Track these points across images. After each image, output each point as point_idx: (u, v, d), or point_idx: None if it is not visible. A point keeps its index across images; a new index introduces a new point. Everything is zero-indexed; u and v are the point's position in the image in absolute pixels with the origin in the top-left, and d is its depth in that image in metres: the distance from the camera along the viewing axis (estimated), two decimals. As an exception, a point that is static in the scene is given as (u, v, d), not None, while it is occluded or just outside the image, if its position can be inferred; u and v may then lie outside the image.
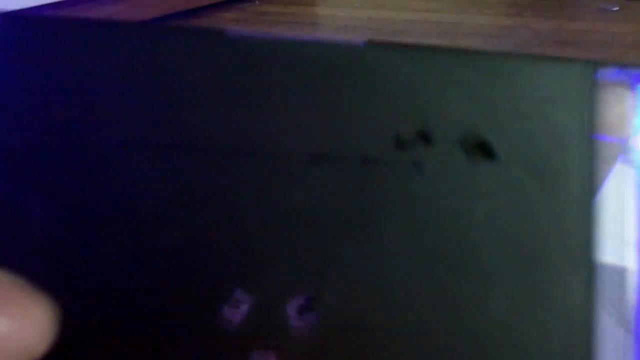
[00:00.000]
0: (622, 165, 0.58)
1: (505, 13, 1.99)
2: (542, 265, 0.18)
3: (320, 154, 0.18)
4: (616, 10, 1.85)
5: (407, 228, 0.18)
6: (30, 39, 0.18)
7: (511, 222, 0.18)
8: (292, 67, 0.18)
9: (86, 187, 0.18)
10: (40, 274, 0.17)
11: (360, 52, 0.18)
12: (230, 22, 1.96)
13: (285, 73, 0.18)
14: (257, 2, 2.18)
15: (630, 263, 0.46)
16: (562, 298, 0.18)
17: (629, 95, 0.19)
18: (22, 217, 0.18)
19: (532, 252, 0.18)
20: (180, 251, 0.18)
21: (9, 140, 0.18)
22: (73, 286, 0.18)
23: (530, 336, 0.18)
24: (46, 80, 0.18)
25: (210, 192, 0.18)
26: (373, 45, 0.18)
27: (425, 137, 0.18)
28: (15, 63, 0.18)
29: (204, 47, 0.18)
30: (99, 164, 0.18)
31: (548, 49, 1.55)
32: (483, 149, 0.18)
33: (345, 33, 1.80)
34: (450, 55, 0.18)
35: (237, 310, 0.18)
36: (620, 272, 0.46)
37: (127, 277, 0.18)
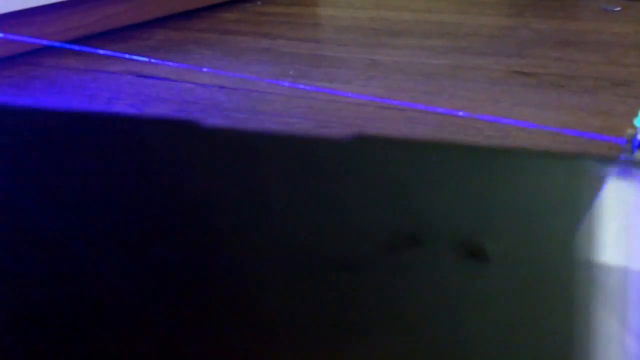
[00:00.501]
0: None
1: (506, 13, 1.99)
2: None
3: (304, 257, 0.16)
4: (618, 11, 1.85)
5: (393, 337, 0.16)
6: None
7: (507, 329, 0.16)
8: (280, 164, 0.16)
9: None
10: None
11: (348, 147, 0.16)
12: (232, 22, 1.96)
13: (273, 170, 0.16)
14: (258, 2, 2.18)
15: (634, 265, 0.46)
16: None
17: (632, 193, 0.17)
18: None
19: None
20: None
21: None
22: None
23: None
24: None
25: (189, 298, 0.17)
26: (362, 139, 0.16)
27: (415, 241, 0.16)
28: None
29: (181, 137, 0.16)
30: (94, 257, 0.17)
31: (549, 49, 1.55)
32: (477, 253, 0.16)
33: (347, 33, 1.81)
34: (442, 151, 0.16)
35: None
36: (624, 274, 0.47)
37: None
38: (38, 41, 1.56)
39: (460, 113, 1.18)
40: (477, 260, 0.16)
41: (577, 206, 0.16)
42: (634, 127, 0.58)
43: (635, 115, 0.58)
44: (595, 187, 0.16)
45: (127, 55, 1.60)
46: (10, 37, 1.55)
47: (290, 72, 1.48)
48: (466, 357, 0.15)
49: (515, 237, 0.15)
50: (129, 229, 0.17)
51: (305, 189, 0.16)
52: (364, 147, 0.16)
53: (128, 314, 0.17)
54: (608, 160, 0.16)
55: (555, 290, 0.16)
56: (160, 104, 1.33)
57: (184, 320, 0.16)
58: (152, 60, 1.55)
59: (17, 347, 0.17)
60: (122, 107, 1.32)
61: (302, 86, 1.37)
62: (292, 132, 0.17)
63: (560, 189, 0.16)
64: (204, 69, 1.49)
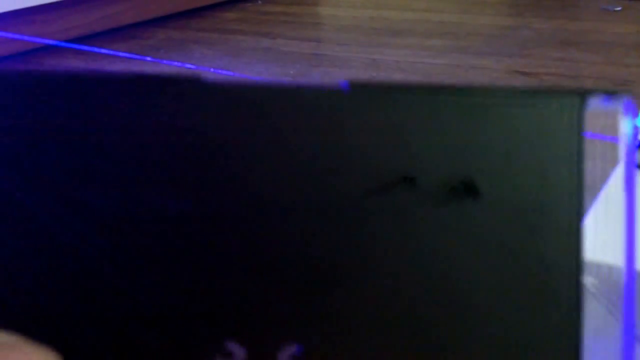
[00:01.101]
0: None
1: (507, 13, 1.99)
2: (528, 300, 0.18)
3: (302, 205, 0.18)
4: (618, 11, 1.85)
5: (394, 277, 0.18)
6: (17, 94, 0.19)
7: (498, 263, 0.17)
8: (275, 115, 0.18)
9: (82, 254, 0.19)
10: (35, 331, 0.18)
11: (341, 97, 0.18)
12: (233, 21, 1.96)
13: (267, 121, 0.18)
14: (259, 1, 2.18)
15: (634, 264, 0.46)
16: (554, 337, 0.18)
17: (621, 122, 0.18)
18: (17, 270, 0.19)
19: (521, 292, 0.18)
20: (174, 306, 0.18)
21: None
22: (66, 343, 0.18)
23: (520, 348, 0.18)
24: (34, 131, 0.19)
25: (198, 248, 0.18)
26: (356, 89, 0.18)
27: (408, 181, 0.18)
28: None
29: (185, 93, 0.19)
30: (88, 231, 0.19)
31: (550, 49, 1.55)
32: (467, 189, 0.17)
33: (347, 33, 1.81)
34: (430, 95, 0.18)
35: None
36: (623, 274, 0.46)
37: (128, 335, 0.18)
38: (39, 40, 1.56)
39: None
40: (468, 194, 0.17)
41: (565, 142, 0.17)
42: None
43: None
44: (576, 121, 0.18)
45: (128, 55, 1.60)
46: (11, 36, 1.55)
47: (291, 72, 1.47)
48: (459, 286, 0.17)
49: (502, 172, 0.17)
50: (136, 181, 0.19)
51: (298, 137, 0.18)
52: (356, 95, 0.18)
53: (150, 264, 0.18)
54: (591, 94, 0.17)
55: (542, 218, 0.17)
56: (160, 103, 1.32)
57: (194, 268, 0.18)
58: (153, 60, 1.55)
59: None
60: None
61: (302, 86, 1.36)
62: (287, 84, 0.17)
63: (543, 124, 0.17)
64: (205, 68, 1.49)
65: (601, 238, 0.49)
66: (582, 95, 0.18)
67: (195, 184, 0.18)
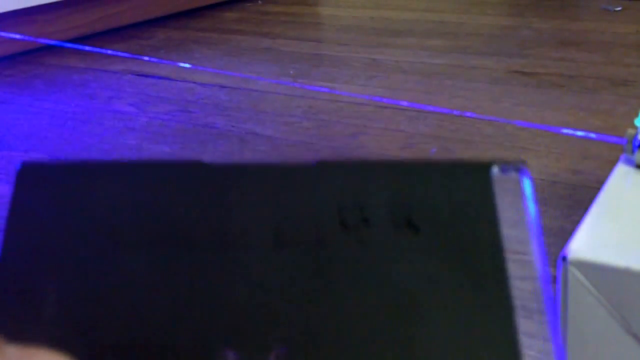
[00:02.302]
0: (624, 166, 0.58)
1: (507, 13, 1.99)
2: (464, 308, 0.22)
3: (282, 240, 0.23)
4: (618, 10, 1.85)
5: (357, 291, 0.23)
6: (43, 181, 0.25)
7: (436, 277, 0.23)
8: (259, 185, 0.24)
9: (90, 278, 0.23)
10: (52, 343, 0.22)
11: (311, 169, 0.24)
12: (233, 21, 1.96)
13: (253, 190, 0.24)
14: (259, 1, 2.18)
15: (635, 264, 0.46)
16: (486, 334, 0.22)
17: (518, 185, 0.24)
18: (38, 302, 0.23)
19: (455, 299, 0.23)
20: (175, 322, 0.23)
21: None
22: (85, 355, 0.22)
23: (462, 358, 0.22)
24: (56, 210, 0.24)
25: (196, 275, 0.23)
26: (321, 164, 0.24)
27: (365, 221, 0.23)
28: (30, 199, 0.24)
29: (184, 175, 0.24)
30: (100, 259, 0.23)
31: (550, 49, 1.55)
32: (410, 226, 0.23)
33: (347, 33, 1.81)
34: (380, 167, 0.24)
35: None
36: (623, 274, 0.46)
37: (133, 344, 0.22)
38: (39, 40, 1.56)
39: (460, 112, 1.18)
40: (410, 229, 0.23)
41: (476, 193, 0.24)
42: (635, 127, 0.58)
43: (636, 115, 0.58)
44: (486, 183, 0.24)
45: (128, 54, 1.60)
46: (12, 36, 1.55)
47: (291, 72, 1.48)
48: (407, 297, 0.23)
49: (435, 214, 0.23)
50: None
51: (278, 198, 0.24)
52: (323, 169, 0.25)
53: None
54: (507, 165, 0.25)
55: (468, 244, 0.23)
56: (160, 103, 1.32)
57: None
58: (153, 59, 1.55)
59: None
60: (122, 106, 1.32)
61: (302, 86, 1.37)
62: (264, 163, 0.24)
63: (466, 186, 0.24)
64: (205, 68, 1.49)
65: (600, 239, 0.50)
66: (487, 166, 0.24)
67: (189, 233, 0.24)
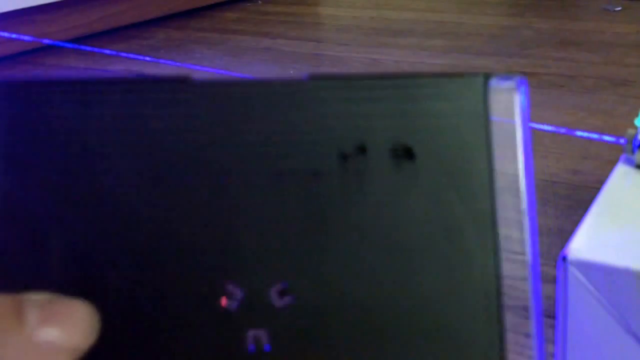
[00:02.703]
0: (624, 166, 0.58)
1: (507, 13, 1.99)
2: (457, 239, 0.23)
3: (279, 171, 0.23)
4: (618, 10, 1.85)
5: (355, 223, 0.23)
6: (25, 101, 0.24)
7: (430, 207, 0.23)
8: (252, 103, 0.23)
9: (92, 219, 0.23)
10: (65, 287, 0.22)
11: (303, 85, 0.23)
12: (233, 22, 1.96)
13: (246, 110, 0.23)
14: (259, 1, 2.18)
15: (634, 264, 0.46)
16: (475, 262, 0.23)
17: (516, 96, 0.23)
18: (43, 254, 0.23)
19: (449, 230, 0.23)
20: (179, 258, 0.23)
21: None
22: (96, 294, 0.22)
23: (450, 294, 0.23)
24: (46, 134, 0.23)
25: (195, 209, 0.23)
26: (314, 79, 0.23)
27: (362, 150, 0.23)
28: (16, 121, 0.23)
29: (173, 93, 0.23)
30: (99, 198, 0.23)
31: (550, 49, 1.55)
32: (405, 154, 0.23)
33: (348, 33, 1.81)
34: (375, 81, 0.23)
35: (232, 299, 0.23)
36: (623, 274, 0.46)
37: (139, 283, 0.23)
38: (39, 40, 1.56)
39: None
40: (407, 158, 0.23)
41: (475, 113, 0.23)
42: (635, 127, 0.58)
43: (636, 114, 0.58)
44: (482, 96, 0.24)
45: (127, 54, 1.60)
46: (12, 36, 1.55)
47: (291, 72, 1.48)
48: (403, 228, 0.23)
49: (431, 139, 0.23)
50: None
51: (271, 122, 0.23)
52: (315, 84, 0.23)
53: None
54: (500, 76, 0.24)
55: (461, 170, 0.23)
56: (160, 103, 1.32)
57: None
58: (153, 59, 1.55)
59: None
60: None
61: (302, 85, 1.36)
62: (258, 79, 0.23)
63: (462, 101, 0.23)
64: (205, 68, 1.49)
65: (600, 239, 0.50)
66: (485, 75, 0.23)
67: (190, 166, 0.23)
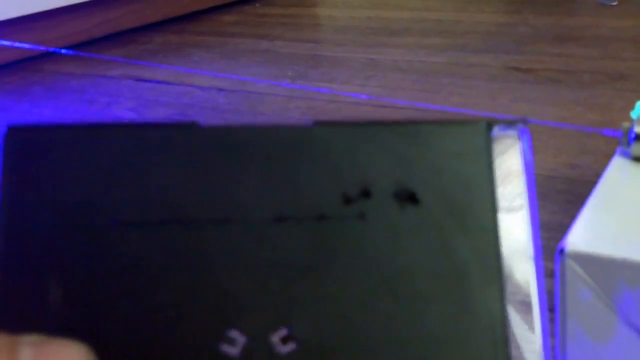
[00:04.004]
0: (620, 159, 0.58)
1: (504, 10, 1.99)
2: (463, 284, 0.23)
3: (282, 215, 0.23)
4: (614, 5, 1.85)
5: (357, 267, 0.23)
6: (33, 145, 0.24)
7: (436, 252, 0.23)
8: (256, 149, 0.23)
9: (94, 263, 0.23)
10: (63, 329, 0.22)
11: (309, 131, 0.24)
12: (231, 25, 1.96)
13: (250, 155, 0.23)
14: (257, 4, 2.18)
15: (632, 255, 0.46)
16: (482, 307, 0.23)
17: (518, 144, 0.24)
18: (43, 295, 0.23)
19: (455, 274, 0.23)
20: (181, 305, 0.23)
21: (25, 228, 0.23)
22: (93, 336, 0.22)
23: (457, 341, 0.23)
24: (51, 178, 0.23)
25: (198, 255, 0.23)
26: (319, 125, 0.24)
27: (366, 194, 0.23)
28: (22, 165, 0.23)
29: (179, 138, 0.24)
30: (102, 242, 0.23)
31: (547, 45, 1.55)
32: (410, 198, 0.23)
33: (345, 33, 1.81)
34: (379, 128, 0.24)
35: (233, 345, 0.22)
36: (621, 266, 0.47)
37: (140, 328, 0.23)
38: (37, 47, 1.56)
39: (458, 110, 1.18)
40: (411, 202, 0.23)
41: (479, 159, 0.24)
42: (631, 120, 0.58)
43: (633, 108, 0.59)
44: (485, 143, 0.24)
45: (126, 60, 1.60)
46: (10, 44, 1.55)
47: (289, 73, 1.48)
48: (408, 273, 0.22)
49: (436, 185, 0.23)
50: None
51: (275, 167, 0.23)
52: (320, 130, 0.24)
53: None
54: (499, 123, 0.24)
55: (466, 216, 0.23)
56: (159, 107, 1.33)
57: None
58: (151, 64, 1.55)
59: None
60: (121, 111, 1.32)
61: (301, 87, 1.37)
62: (263, 125, 0.23)
63: (465, 147, 0.24)
64: (203, 72, 1.49)
65: (597, 231, 0.50)
66: (487, 123, 0.24)
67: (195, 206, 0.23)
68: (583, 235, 0.49)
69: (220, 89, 1.40)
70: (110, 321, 0.23)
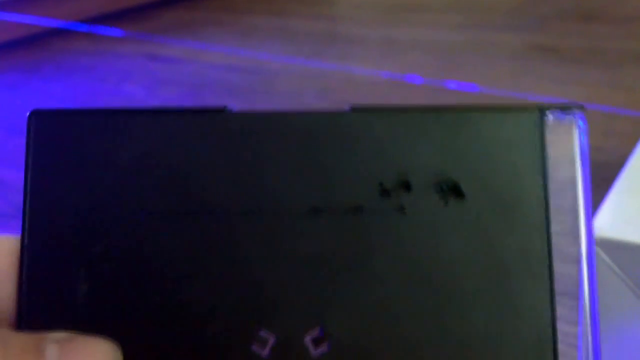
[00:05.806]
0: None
1: (527, -13, 1.96)
2: (509, 284, 0.22)
3: (316, 207, 0.22)
4: (641, -18, 1.81)
5: (397, 263, 0.22)
6: (61, 131, 0.23)
7: (480, 250, 0.22)
8: (290, 137, 0.22)
9: (121, 256, 0.22)
10: (90, 326, 0.22)
11: (345, 117, 0.22)
12: (244, 1, 1.94)
13: (284, 143, 0.22)
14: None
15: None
16: (527, 307, 0.22)
17: (574, 133, 0.22)
18: (69, 290, 0.22)
19: (501, 271, 0.22)
20: (211, 301, 0.22)
21: (53, 219, 0.22)
22: (121, 333, 0.22)
23: (504, 339, 0.21)
24: (79, 165, 0.23)
25: (228, 248, 0.22)
26: (356, 111, 0.22)
27: (405, 186, 0.22)
28: (51, 152, 0.23)
29: (210, 124, 0.23)
30: (130, 235, 0.22)
31: (571, 23, 1.52)
32: (454, 191, 0.22)
33: (362, 9, 1.78)
34: (420, 114, 0.22)
35: (264, 346, 0.22)
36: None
37: (168, 325, 0.22)
38: (47, 23, 1.54)
39: (479, 89, 1.16)
40: (455, 196, 0.21)
41: (530, 149, 0.22)
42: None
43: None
44: (538, 131, 0.22)
45: (137, 36, 1.58)
46: (19, 19, 1.53)
47: (305, 49, 1.45)
48: (452, 270, 0.21)
49: (482, 177, 0.22)
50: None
51: (310, 156, 0.22)
52: (358, 116, 0.22)
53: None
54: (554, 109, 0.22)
55: (515, 212, 0.22)
56: (170, 86, 1.31)
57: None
58: (163, 41, 1.54)
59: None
60: (131, 88, 1.31)
61: (316, 65, 1.35)
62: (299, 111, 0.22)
63: (516, 136, 0.22)
64: (216, 49, 1.48)
65: (623, 216, 0.49)
66: (541, 110, 0.22)
67: (231, 196, 0.22)
68: (609, 221, 0.49)
69: (233, 67, 1.38)
70: (138, 316, 0.22)
